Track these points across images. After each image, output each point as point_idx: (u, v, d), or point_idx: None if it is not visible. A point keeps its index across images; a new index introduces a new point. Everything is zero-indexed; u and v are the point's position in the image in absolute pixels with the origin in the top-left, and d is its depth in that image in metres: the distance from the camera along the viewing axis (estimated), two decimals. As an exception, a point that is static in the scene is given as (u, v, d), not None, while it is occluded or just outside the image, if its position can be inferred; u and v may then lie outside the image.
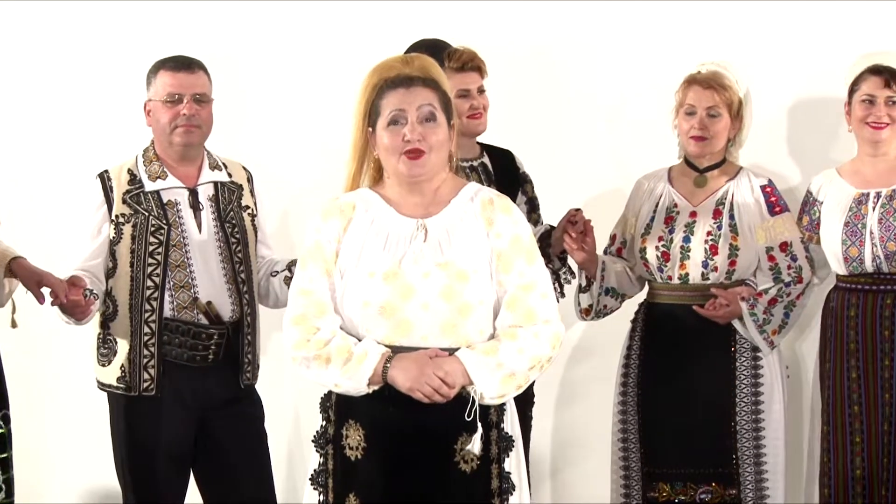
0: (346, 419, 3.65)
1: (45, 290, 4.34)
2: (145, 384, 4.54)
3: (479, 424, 3.58)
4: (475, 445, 3.58)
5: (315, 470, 3.69)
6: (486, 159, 4.91)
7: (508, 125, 5.07)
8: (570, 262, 4.98)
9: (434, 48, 4.70)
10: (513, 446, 3.67)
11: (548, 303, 3.69)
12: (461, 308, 3.60)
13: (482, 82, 4.82)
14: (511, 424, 3.71)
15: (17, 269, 4.41)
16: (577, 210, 4.80)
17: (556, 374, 5.48)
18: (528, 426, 4.87)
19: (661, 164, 4.98)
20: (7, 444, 4.47)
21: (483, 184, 4.83)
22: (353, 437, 3.64)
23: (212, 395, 4.59)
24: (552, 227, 4.94)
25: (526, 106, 5.35)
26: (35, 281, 4.37)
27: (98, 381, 4.67)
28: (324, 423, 3.68)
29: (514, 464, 3.68)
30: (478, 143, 4.93)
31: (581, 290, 4.98)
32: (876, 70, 4.77)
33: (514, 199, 4.80)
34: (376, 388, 3.60)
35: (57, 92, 5.68)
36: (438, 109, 3.66)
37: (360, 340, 3.62)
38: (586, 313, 4.99)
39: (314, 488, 3.69)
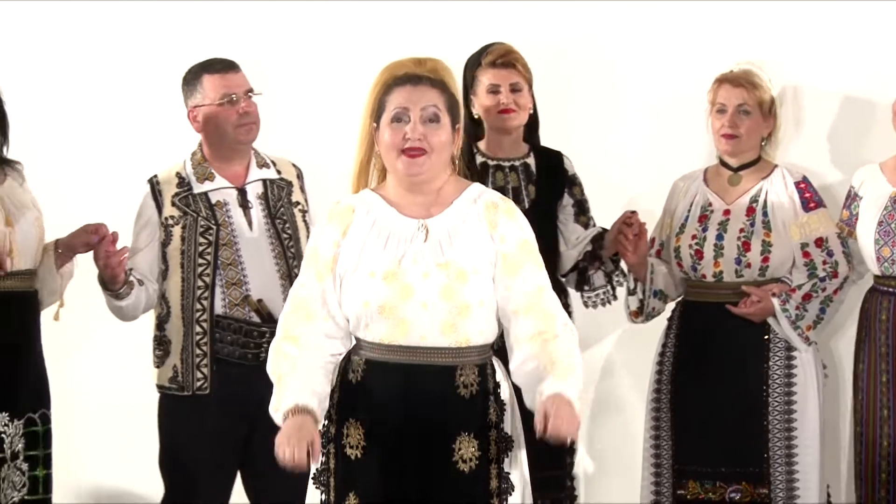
0: (348, 418, 3.67)
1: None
2: (199, 383, 4.58)
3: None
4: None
5: (317, 469, 3.70)
6: (530, 159, 4.89)
7: (553, 125, 5.04)
8: (622, 264, 4.94)
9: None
10: (512, 446, 3.66)
11: (560, 306, 3.69)
12: (461, 308, 3.59)
13: (519, 80, 4.79)
14: (511, 425, 3.69)
15: (64, 244, 4.57)
16: (633, 212, 4.79)
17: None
18: None
19: (706, 164, 4.96)
20: (47, 441, 4.58)
21: (522, 183, 4.85)
22: (354, 436, 3.65)
23: (263, 396, 4.52)
24: (604, 230, 4.90)
25: (571, 105, 5.33)
26: (79, 239, 4.54)
27: (156, 384, 4.71)
28: (326, 421, 3.69)
29: (514, 464, 3.66)
30: (530, 143, 4.90)
31: (630, 292, 4.96)
32: None
33: (557, 201, 4.88)
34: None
35: (101, 100, 5.70)
36: (443, 111, 3.65)
37: (340, 355, 3.69)
38: (636, 315, 4.98)
39: (316, 487, 3.71)
